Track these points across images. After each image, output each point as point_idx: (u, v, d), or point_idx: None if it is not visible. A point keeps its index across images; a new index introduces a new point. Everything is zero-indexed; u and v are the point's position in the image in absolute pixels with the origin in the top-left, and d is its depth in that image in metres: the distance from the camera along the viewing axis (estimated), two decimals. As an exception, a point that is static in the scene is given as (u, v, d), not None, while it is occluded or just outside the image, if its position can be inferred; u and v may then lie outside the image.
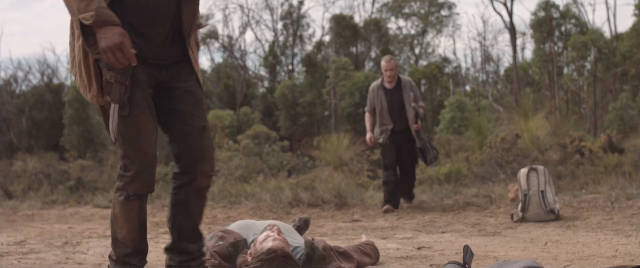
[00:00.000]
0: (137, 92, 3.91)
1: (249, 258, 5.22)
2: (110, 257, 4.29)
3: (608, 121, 17.88)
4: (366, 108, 11.20)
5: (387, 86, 11.02)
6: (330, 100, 27.77)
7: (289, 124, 24.51)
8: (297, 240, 5.52)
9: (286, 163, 17.74)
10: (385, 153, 10.97)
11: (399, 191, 10.98)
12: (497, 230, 8.11)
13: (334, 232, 8.67)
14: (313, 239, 5.62)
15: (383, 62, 11.02)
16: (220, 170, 16.78)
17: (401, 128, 10.93)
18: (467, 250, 2.36)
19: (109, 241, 4.27)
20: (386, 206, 10.70)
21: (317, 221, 9.76)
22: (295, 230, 5.90)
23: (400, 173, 10.99)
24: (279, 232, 5.35)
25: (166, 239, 8.33)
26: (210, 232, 6.28)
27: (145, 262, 4.30)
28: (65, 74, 37.30)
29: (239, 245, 5.47)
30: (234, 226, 5.94)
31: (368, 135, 11.14)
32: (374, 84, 11.19)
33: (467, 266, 2.33)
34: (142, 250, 4.31)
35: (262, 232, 5.40)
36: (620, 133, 16.71)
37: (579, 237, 7.08)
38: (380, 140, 10.94)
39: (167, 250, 4.55)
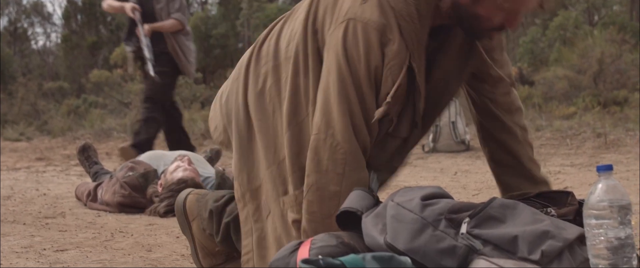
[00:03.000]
0: None
1: (159, 189, 5.19)
2: None
3: (519, 54, 18.10)
4: None
5: None
6: (244, 32, 27.55)
7: (202, 56, 24.26)
8: (207, 171, 5.49)
9: (199, 95, 17.60)
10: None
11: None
12: (407, 160, 8.17)
13: (247, 163, 8.64)
14: (224, 169, 5.59)
15: None
16: (132, 102, 16.58)
17: None
18: (373, 178, 2.35)
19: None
20: None
21: (229, 153, 9.67)
22: (206, 161, 5.87)
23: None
24: (190, 162, 5.32)
25: (77, 171, 8.23)
26: (121, 164, 6.21)
27: None
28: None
29: (149, 175, 5.42)
30: (144, 157, 5.89)
31: None
32: None
33: (373, 193, 2.32)
34: None
35: (173, 163, 5.36)
36: (531, 66, 16.92)
37: (488, 167, 7.18)
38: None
39: None
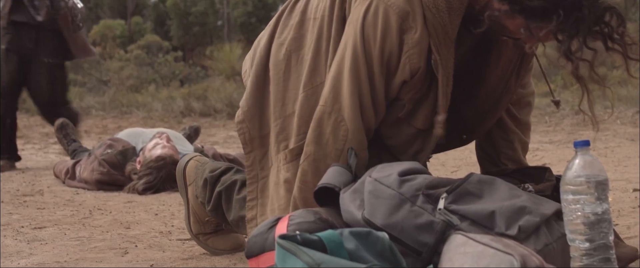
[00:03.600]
0: None
1: (138, 166, 5.17)
2: None
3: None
4: None
5: None
6: (223, 9, 27.47)
7: (182, 33, 24.21)
8: (186, 148, 5.48)
9: (178, 73, 17.56)
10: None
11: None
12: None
13: (225, 141, 8.64)
14: (203, 147, 5.59)
15: None
16: (111, 80, 16.53)
17: None
18: (351, 153, 2.35)
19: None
20: None
21: (208, 130, 9.70)
22: (185, 138, 5.85)
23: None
24: (168, 140, 5.30)
25: (56, 149, 8.21)
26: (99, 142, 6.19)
27: None
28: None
29: (128, 153, 5.41)
30: (122, 135, 5.87)
31: None
32: None
33: (351, 169, 2.32)
34: None
35: (151, 140, 5.34)
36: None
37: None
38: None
39: None
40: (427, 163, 2.71)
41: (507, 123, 2.84)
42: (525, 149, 2.90)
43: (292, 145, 2.54)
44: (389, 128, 2.51)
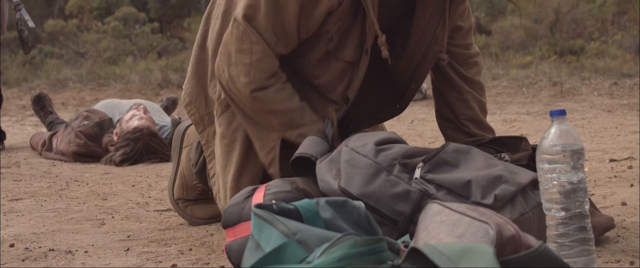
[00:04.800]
0: None
1: (115, 138, 5.16)
2: None
3: (476, 3, 18.13)
4: None
5: None
6: (201, -19, 27.32)
7: (159, 5, 24.03)
8: (163, 119, 5.47)
9: (156, 45, 17.44)
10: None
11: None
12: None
13: (204, 113, 8.62)
14: (180, 118, 5.57)
15: None
16: (88, 52, 16.42)
17: None
18: (327, 123, 2.35)
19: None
20: None
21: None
22: (162, 110, 5.84)
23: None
24: (145, 111, 5.29)
25: (32, 121, 8.16)
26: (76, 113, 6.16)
27: None
28: None
29: (105, 124, 5.39)
30: (99, 106, 5.85)
31: None
32: None
33: (327, 138, 2.32)
34: None
35: (128, 111, 5.33)
36: (488, 16, 16.95)
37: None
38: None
39: None
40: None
41: (459, 84, 2.86)
42: (483, 109, 2.91)
43: (217, 102, 2.58)
44: (317, 66, 2.52)
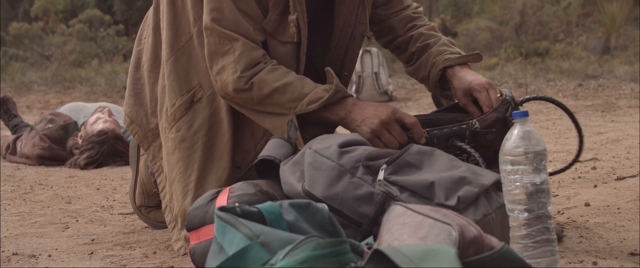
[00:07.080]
0: None
1: (80, 141, 5.13)
2: None
3: (442, 5, 18.19)
4: None
5: None
6: (167, -16, 27.20)
7: (125, 8, 23.90)
8: (129, 122, 5.45)
9: (122, 48, 17.35)
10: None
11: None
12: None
13: (170, 115, 8.58)
14: (146, 121, 5.55)
15: None
16: (53, 54, 16.31)
17: None
18: (291, 125, 2.35)
19: None
20: None
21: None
22: (127, 113, 5.81)
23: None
24: (110, 114, 5.27)
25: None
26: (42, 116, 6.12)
27: None
28: None
29: (69, 127, 5.36)
30: (64, 109, 5.81)
31: None
32: None
33: (291, 141, 2.32)
34: None
35: (93, 114, 5.30)
36: (454, 18, 17.03)
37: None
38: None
39: None
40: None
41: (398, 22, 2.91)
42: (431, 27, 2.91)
43: (172, 109, 2.59)
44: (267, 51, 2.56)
